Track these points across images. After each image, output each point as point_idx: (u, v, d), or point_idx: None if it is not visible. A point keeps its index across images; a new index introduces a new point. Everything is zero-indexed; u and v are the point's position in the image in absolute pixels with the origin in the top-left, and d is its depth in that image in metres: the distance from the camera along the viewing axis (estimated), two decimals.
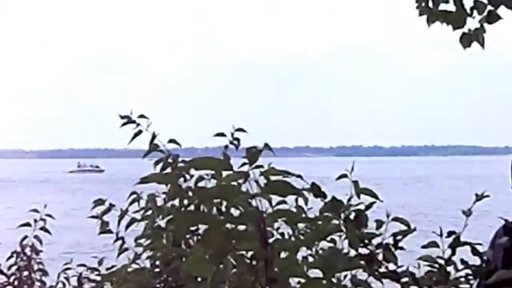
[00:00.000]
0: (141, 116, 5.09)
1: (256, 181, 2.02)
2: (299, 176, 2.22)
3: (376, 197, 2.50)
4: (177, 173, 1.82)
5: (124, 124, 5.09)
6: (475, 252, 2.46)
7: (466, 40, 5.36)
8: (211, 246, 1.75)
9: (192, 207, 4.67)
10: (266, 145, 1.96)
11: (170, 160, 5.15)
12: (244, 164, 2.34)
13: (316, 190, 2.30)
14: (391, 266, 2.40)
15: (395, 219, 2.41)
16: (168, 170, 5.12)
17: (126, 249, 5.29)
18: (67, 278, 5.75)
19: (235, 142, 5.29)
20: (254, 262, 1.87)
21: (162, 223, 5.11)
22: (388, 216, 2.40)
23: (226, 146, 5.25)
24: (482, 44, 5.43)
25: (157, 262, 5.15)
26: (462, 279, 2.44)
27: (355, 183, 2.46)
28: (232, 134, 5.30)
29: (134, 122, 5.09)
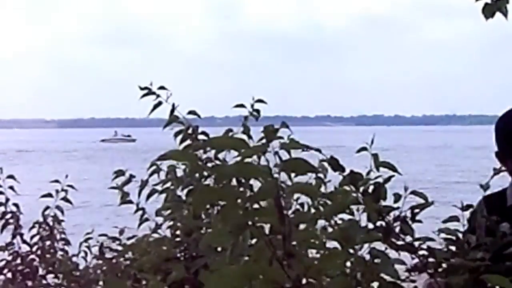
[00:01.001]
0: (161, 87, 5.14)
1: (276, 153, 2.03)
2: (318, 150, 2.24)
3: (395, 170, 2.51)
4: (195, 151, 1.83)
5: (144, 95, 5.14)
6: (491, 226, 2.48)
7: (489, 11, 5.31)
8: (229, 220, 1.78)
9: (209, 180, 4.72)
10: (283, 123, 1.97)
11: (189, 132, 5.21)
12: (262, 138, 2.37)
13: (335, 164, 2.31)
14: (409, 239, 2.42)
15: (413, 192, 2.42)
16: (188, 141, 5.18)
17: (147, 219, 5.35)
18: (88, 247, 5.81)
19: (255, 113, 5.32)
20: (272, 236, 1.89)
21: (183, 194, 5.17)
22: (406, 189, 2.41)
23: (246, 117, 5.28)
24: (506, 14, 5.38)
25: (177, 232, 5.21)
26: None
27: (375, 156, 2.47)
28: (252, 105, 5.32)
29: (154, 93, 5.14)
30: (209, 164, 4.38)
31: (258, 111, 5.32)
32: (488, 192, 3.10)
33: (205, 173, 4.95)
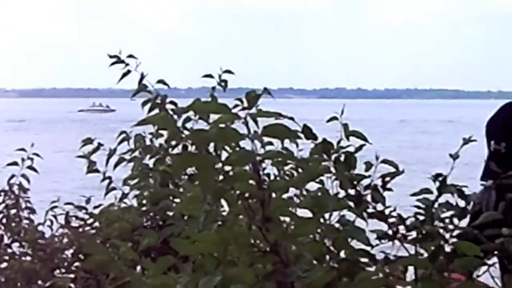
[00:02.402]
0: (130, 56, 5.08)
1: (246, 123, 2.04)
2: (291, 118, 2.25)
3: (365, 139, 2.53)
4: (174, 116, 1.83)
5: (113, 63, 5.08)
6: (460, 194, 2.51)
7: None
8: (207, 186, 1.79)
9: (180, 148, 4.73)
10: (265, 89, 1.97)
11: (158, 101, 5.19)
12: (236, 106, 2.37)
13: (308, 132, 2.32)
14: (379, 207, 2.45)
15: (384, 161, 2.45)
16: (156, 110, 5.17)
17: (114, 188, 5.34)
18: (54, 216, 5.78)
19: (222, 83, 5.32)
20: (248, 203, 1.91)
21: (150, 163, 5.17)
22: (377, 158, 2.44)
23: (214, 88, 5.28)
24: None
25: (144, 202, 5.22)
26: (447, 220, 2.49)
27: (345, 125, 2.49)
28: (220, 76, 5.33)
29: (122, 62, 5.08)
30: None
31: (225, 81, 5.33)
32: None
33: (174, 143, 4.97)
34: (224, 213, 2.16)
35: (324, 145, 2.38)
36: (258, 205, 1.88)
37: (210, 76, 5.32)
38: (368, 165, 2.45)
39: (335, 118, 2.52)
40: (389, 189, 2.46)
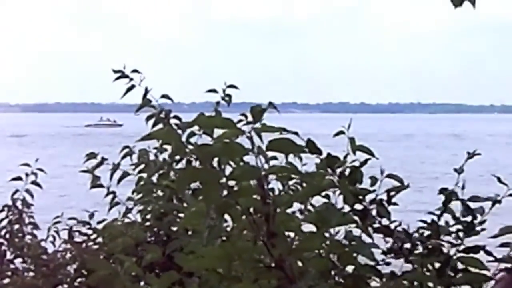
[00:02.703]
0: (134, 71, 5.05)
1: (250, 138, 2.03)
2: (296, 133, 2.24)
3: (371, 154, 2.52)
4: (172, 130, 1.82)
5: (118, 78, 5.05)
6: (467, 208, 2.50)
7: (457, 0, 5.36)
8: (212, 201, 1.78)
9: (184, 162, 4.71)
10: (270, 103, 1.96)
11: (162, 115, 5.16)
12: (240, 121, 2.36)
13: (312, 147, 2.31)
14: (385, 222, 2.43)
15: (389, 176, 2.44)
16: (160, 125, 5.15)
17: (117, 203, 5.31)
18: (57, 232, 5.75)
19: (227, 98, 5.30)
20: (253, 217, 1.90)
21: (154, 178, 5.15)
22: (382, 172, 2.43)
23: (218, 103, 5.26)
24: (473, 3, 5.42)
25: (148, 217, 5.19)
26: (453, 235, 2.47)
27: (351, 139, 2.48)
28: (224, 91, 5.30)
29: (127, 76, 5.05)
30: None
31: (229, 96, 5.31)
32: None
33: (178, 157, 4.95)
34: (228, 228, 2.15)
35: (329, 160, 2.37)
36: (263, 220, 1.86)
37: (214, 91, 5.30)
38: (373, 180, 2.43)
39: (342, 132, 2.51)
40: (394, 203, 2.44)
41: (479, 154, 2.57)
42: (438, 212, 2.48)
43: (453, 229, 2.47)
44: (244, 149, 1.81)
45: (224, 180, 1.78)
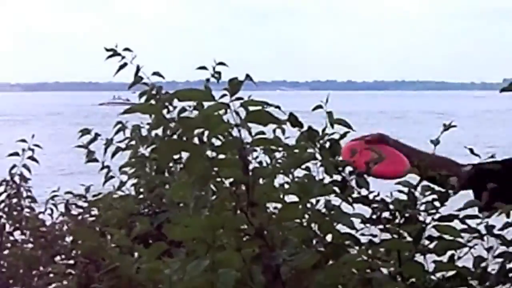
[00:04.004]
0: (126, 49, 5.05)
1: (236, 112, 2.02)
2: (278, 107, 2.23)
3: (349, 127, 2.52)
4: (160, 104, 1.80)
5: (110, 56, 5.05)
6: (441, 178, 2.49)
7: None
8: (193, 172, 1.77)
9: (174, 137, 4.70)
10: (247, 76, 1.94)
11: (153, 92, 5.17)
12: (224, 95, 2.35)
13: (294, 120, 2.31)
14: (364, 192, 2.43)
15: (368, 148, 2.43)
16: (152, 101, 5.14)
17: (112, 177, 5.32)
18: (54, 205, 5.75)
19: (216, 75, 5.29)
20: (235, 188, 1.89)
21: (146, 152, 5.16)
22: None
23: (208, 79, 5.24)
24: None
25: (141, 190, 5.20)
26: (429, 204, 2.47)
27: (329, 113, 2.47)
28: (214, 68, 5.29)
29: (119, 54, 5.06)
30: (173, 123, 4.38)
31: (219, 73, 5.30)
32: None
33: (168, 132, 4.95)
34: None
35: (309, 133, 2.37)
36: (244, 190, 1.86)
37: (204, 68, 5.29)
38: (354, 152, 2.43)
39: (320, 106, 2.50)
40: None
41: (454, 126, 2.56)
42: (415, 182, 2.48)
43: (429, 198, 2.47)
44: (224, 121, 1.80)
45: (208, 152, 1.77)
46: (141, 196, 5.15)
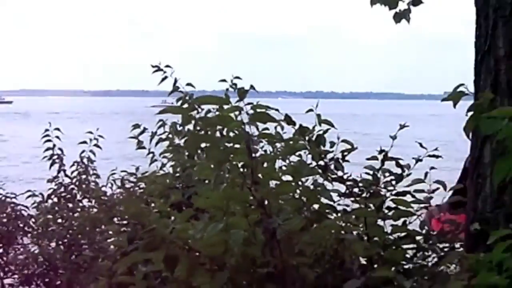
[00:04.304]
0: (167, 66, 5.11)
1: (247, 113, 2.01)
2: (277, 110, 2.21)
3: (332, 125, 2.48)
4: (188, 106, 1.78)
5: (155, 71, 5.08)
6: (398, 164, 2.47)
7: (398, 17, 5.29)
8: (212, 158, 1.75)
9: (201, 132, 4.70)
10: (251, 86, 1.93)
11: (187, 98, 5.19)
12: (239, 100, 2.33)
13: (288, 119, 2.28)
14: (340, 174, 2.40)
15: (343, 140, 2.40)
16: (185, 105, 5.15)
17: (155, 160, 5.33)
18: (114, 180, 5.76)
19: (233, 86, 5.30)
20: (243, 170, 1.86)
21: (181, 142, 5.17)
22: (338, 138, 2.39)
23: (227, 89, 5.28)
24: (408, 21, 5.36)
25: (177, 169, 5.20)
26: (388, 183, 2.44)
27: (318, 115, 2.44)
28: (232, 81, 5.32)
29: (161, 70, 5.09)
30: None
31: (236, 84, 5.32)
32: None
33: (197, 128, 4.97)
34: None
35: (301, 129, 2.34)
36: (250, 171, 1.83)
37: (224, 80, 5.32)
38: (332, 144, 2.40)
39: (311, 110, 2.45)
40: (347, 161, 2.41)
41: (407, 126, 2.53)
42: (377, 166, 2.45)
43: (388, 178, 2.44)
44: (234, 120, 1.77)
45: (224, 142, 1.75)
46: (176, 174, 5.17)
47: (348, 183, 2.36)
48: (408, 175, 2.47)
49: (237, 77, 5.45)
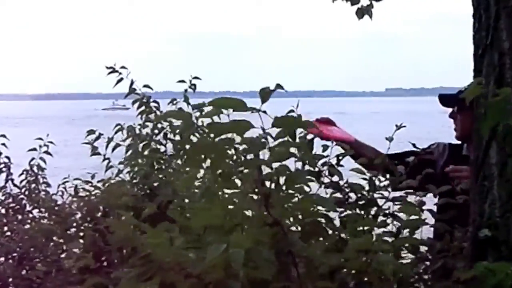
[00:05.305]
0: (122, 67, 4.91)
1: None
2: (265, 112, 2.00)
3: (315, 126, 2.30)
4: (187, 113, 1.55)
5: (110, 73, 4.87)
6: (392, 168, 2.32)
7: (360, 13, 5.21)
8: (218, 168, 1.52)
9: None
10: (278, 85, 1.70)
11: (144, 100, 4.98)
12: (263, 102, 2.11)
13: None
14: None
15: (337, 144, 2.23)
16: (143, 107, 4.94)
17: (111, 167, 5.07)
18: (65, 188, 5.46)
19: (192, 87, 5.13)
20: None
21: (140, 147, 4.95)
22: (332, 142, 2.21)
23: (186, 90, 5.10)
24: (370, 16, 5.29)
25: (135, 176, 4.96)
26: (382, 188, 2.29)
27: (300, 116, 2.24)
28: (190, 81, 5.15)
29: (117, 71, 4.90)
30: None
31: (195, 85, 5.18)
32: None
33: (156, 131, 4.76)
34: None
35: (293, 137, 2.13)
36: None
37: (183, 81, 5.18)
38: (325, 147, 2.21)
39: (292, 111, 2.26)
40: (341, 165, 2.23)
41: (404, 126, 2.38)
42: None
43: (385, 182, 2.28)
44: (250, 125, 1.55)
45: (231, 152, 1.53)
46: (134, 181, 4.93)
47: (346, 190, 2.18)
48: (401, 181, 2.31)
49: (196, 77, 5.30)
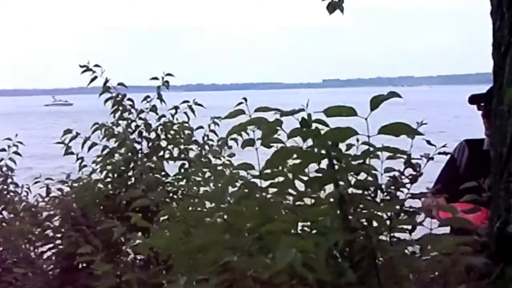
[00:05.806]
0: (96, 65, 4.78)
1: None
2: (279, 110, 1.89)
3: (326, 125, 2.22)
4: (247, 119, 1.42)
5: (84, 71, 4.74)
6: (411, 164, 2.28)
7: (331, 7, 5.18)
8: (299, 172, 1.43)
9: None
10: (393, 92, 1.60)
11: (118, 98, 4.89)
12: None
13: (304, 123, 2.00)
14: None
15: (364, 143, 2.17)
16: (117, 106, 4.84)
17: (85, 166, 4.94)
18: (28, 188, 5.27)
19: (166, 83, 5.04)
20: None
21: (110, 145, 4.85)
22: (357, 140, 2.15)
23: (159, 87, 5.01)
24: (342, 10, 5.28)
25: (109, 175, 4.87)
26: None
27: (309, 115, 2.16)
28: (163, 78, 5.07)
29: (91, 70, 4.78)
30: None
31: (168, 82, 5.10)
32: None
33: (130, 131, 4.65)
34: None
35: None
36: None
37: (156, 78, 5.10)
38: (349, 146, 2.15)
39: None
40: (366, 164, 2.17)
41: (425, 123, 2.34)
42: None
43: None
44: (354, 132, 1.48)
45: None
46: (107, 180, 4.83)
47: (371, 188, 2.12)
48: (420, 175, 2.29)
49: (169, 74, 5.20)
